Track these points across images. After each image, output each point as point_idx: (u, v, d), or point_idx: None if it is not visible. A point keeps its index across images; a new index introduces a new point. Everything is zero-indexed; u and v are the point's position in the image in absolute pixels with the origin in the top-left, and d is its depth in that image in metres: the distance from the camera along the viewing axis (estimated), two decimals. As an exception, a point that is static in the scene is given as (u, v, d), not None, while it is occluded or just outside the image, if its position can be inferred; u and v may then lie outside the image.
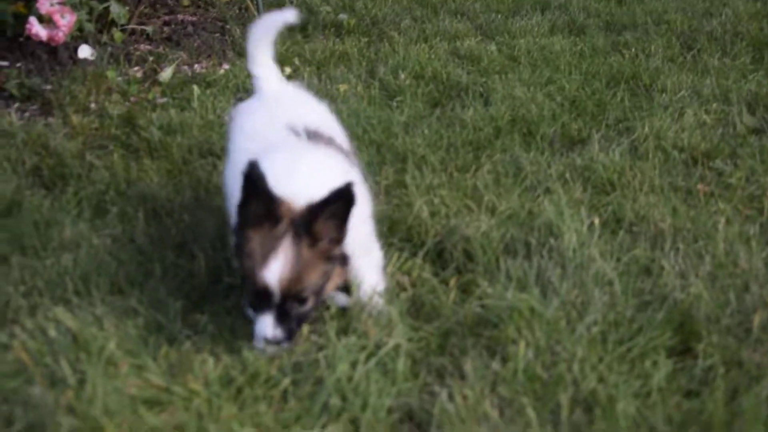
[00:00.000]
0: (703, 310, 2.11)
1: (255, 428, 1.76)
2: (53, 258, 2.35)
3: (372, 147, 3.18)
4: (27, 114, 3.46)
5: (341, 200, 1.85)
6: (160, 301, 2.18)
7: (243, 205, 1.87)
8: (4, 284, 2.21)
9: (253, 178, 1.83)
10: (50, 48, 3.89)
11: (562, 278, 2.24)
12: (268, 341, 1.90)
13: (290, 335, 1.91)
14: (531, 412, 1.77)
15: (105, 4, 4.20)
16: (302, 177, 1.96)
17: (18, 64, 3.84)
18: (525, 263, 2.33)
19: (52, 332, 1.97)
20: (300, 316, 1.92)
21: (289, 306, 1.87)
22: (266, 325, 1.88)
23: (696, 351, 2.00)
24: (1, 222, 2.52)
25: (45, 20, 3.65)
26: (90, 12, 4.05)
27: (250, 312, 1.96)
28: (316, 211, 1.85)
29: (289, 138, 2.17)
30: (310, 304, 1.92)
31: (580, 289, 2.20)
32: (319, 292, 1.93)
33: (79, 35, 4.01)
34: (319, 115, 2.42)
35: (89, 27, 4.00)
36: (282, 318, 1.88)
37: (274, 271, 1.83)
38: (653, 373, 1.90)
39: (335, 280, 1.99)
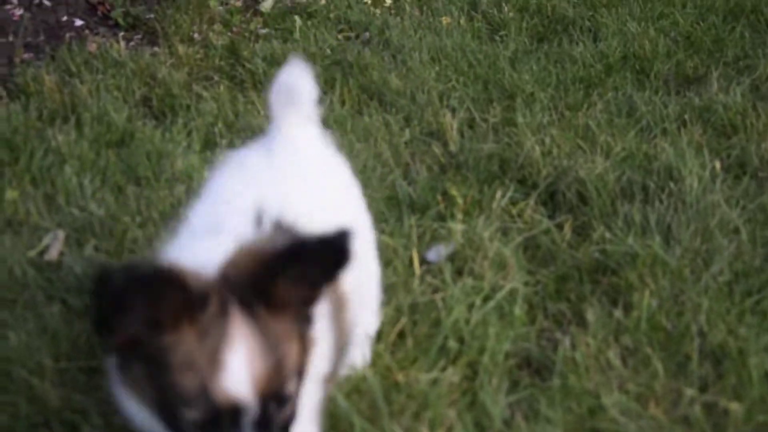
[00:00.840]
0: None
1: (372, 368, 1.76)
2: (167, 189, 2.37)
3: (478, 83, 3.09)
4: (132, 43, 3.48)
5: (322, 259, 1.21)
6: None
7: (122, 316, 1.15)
8: (122, 214, 2.24)
9: (119, 284, 1.12)
10: (152, -24, 3.88)
11: (685, 225, 2.15)
12: None
13: None
14: (657, 363, 1.72)
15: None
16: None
17: (122, -7, 3.85)
18: (643, 208, 2.25)
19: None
20: (285, 424, 1.22)
21: (270, 414, 1.18)
22: None
23: (831, 306, 1.90)
24: (115, 152, 2.55)
25: (149, -52, 3.65)
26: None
27: None
28: (275, 269, 1.19)
29: (242, 228, 1.37)
30: (294, 398, 1.23)
31: (703, 237, 2.11)
32: (301, 373, 1.25)
33: (180, -37, 3.98)
34: (321, 195, 1.58)
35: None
36: None
37: (240, 371, 1.14)
38: (785, 327, 1.82)
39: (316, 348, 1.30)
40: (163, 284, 1.12)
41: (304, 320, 1.24)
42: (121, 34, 3.52)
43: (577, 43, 3.49)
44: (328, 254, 1.21)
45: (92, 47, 3.33)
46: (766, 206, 2.26)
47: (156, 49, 3.35)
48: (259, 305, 1.18)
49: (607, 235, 2.13)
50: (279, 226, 1.38)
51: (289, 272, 1.19)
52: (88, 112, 2.71)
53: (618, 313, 1.86)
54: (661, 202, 2.29)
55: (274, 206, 1.41)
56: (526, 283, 2.00)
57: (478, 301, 1.90)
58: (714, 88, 3.00)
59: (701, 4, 3.92)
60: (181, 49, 3.25)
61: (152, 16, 3.64)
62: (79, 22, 3.55)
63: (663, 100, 2.95)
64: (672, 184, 2.34)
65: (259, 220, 1.38)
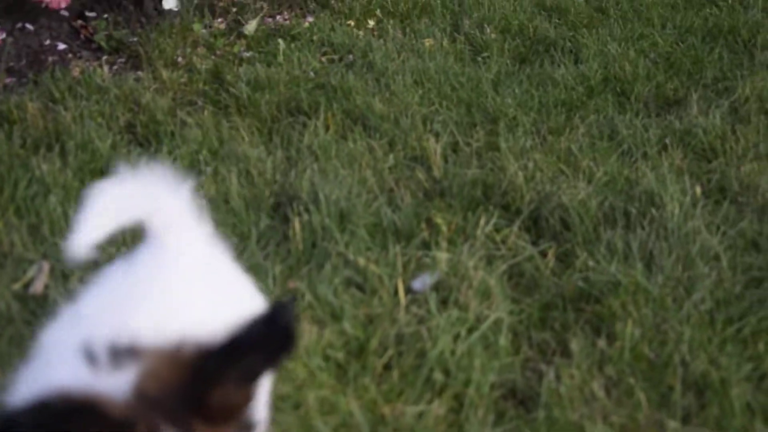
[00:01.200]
0: (817, 289, 2.04)
1: (358, 400, 1.77)
2: (152, 219, 2.37)
3: (461, 106, 3.12)
4: (116, 67, 3.48)
5: (264, 345, 1.01)
6: (259, 266, 2.19)
7: None
8: (107, 244, 2.23)
9: None
10: (136, -1, 3.89)
11: (667, 252, 2.18)
12: None
13: None
14: (641, 394, 1.74)
15: (188, -46, 4.18)
16: None
17: (105, 15, 3.85)
18: (626, 234, 2.27)
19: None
20: None
21: None
22: None
23: (810, 333, 1.93)
24: (99, 180, 2.54)
25: (131, -28, 3.65)
26: (174, -38, 4.03)
27: None
28: (209, 373, 0.99)
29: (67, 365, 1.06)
30: None
31: (685, 264, 2.14)
32: None
33: (163, -14, 3.99)
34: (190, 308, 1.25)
35: (174, -22, 3.98)
36: None
37: None
38: (766, 356, 1.84)
39: None
40: (81, 420, 0.94)
41: (247, 426, 1.03)
42: (105, 57, 3.52)
43: (558, 65, 3.52)
44: (271, 338, 1.00)
45: (75, 71, 3.33)
46: (746, 232, 2.29)
47: (140, 73, 3.35)
48: (195, 421, 0.97)
49: (590, 262, 2.15)
50: (118, 352, 1.04)
51: (227, 372, 0.98)
52: (72, 140, 2.71)
53: (602, 342, 1.88)
54: (642, 228, 2.32)
55: (116, 331, 1.08)
56: (510, 312, 2.01)
57: (463, 332, 1.91)
58: (694, 111, 3.04)
59: (680, 24, 3.98)
60: (164, 73, 3.26)
61: (136, 39, 3.64)
62: (62, 46, 3.55)
63: (644, 123, 2.98)
64: (653, 210, 2.37)
65: (91, 356, 1.04)
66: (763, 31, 3.79)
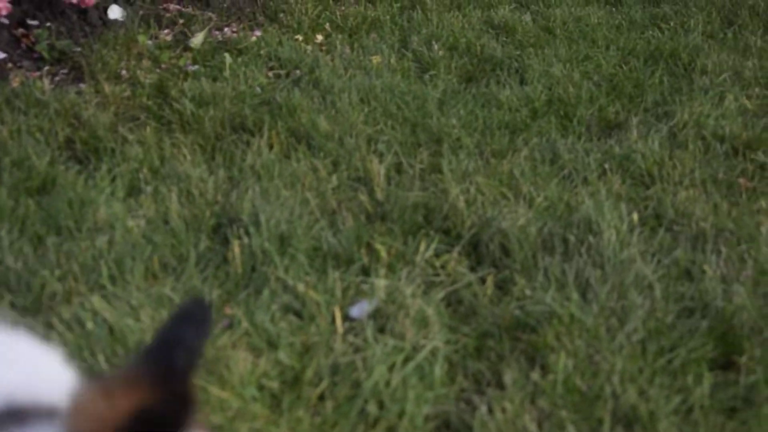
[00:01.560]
0: (746, 320, 2.08)
1: (292, 432, 1.77)
2: (88, 240, 2.33)
3: (406, 125, 3.12)
4: (57, 78, 3.42)
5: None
6: (196, 289, 2.17)
7: None
8: (41, 267, 2.20)
9: None
10: (80, 8, 3.83)
11: (602, 280, 2.21)
12: None
13: None
14: (571, 428, 1.76)
15: (135, -37, 4.12)
16: None
17: (48, 24, 3.78)
18: (563, 262, 2.30)
19: (90, 324, 1.97)
20: None
21: None
22: None
23: (739, 365, 1.97)
24: (35, 200, 2.50)
25: (75, -19, 3.59)
26: (120, -29, 3.98)
27: None
28: None
29: None
30: None
31: (619, 293, 2.17)
32: None
33: (109, -6, 3.94)
34: None
35: (119, -13, 3.93)
36: None
37: None
38: (695, 388, 1.88)
39: None
40: None
41: None
42: (46, 68, 3.45)
43: (504, 86, 3.56)
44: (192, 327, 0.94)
45: (15, 82, 3.26)
46: (680, 261, 2.33)
47: (82, 86, 3.30)
48: None
49: (527, 291, 2.17)
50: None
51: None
52: (8, 156, 2.66)
53: (535, 374, 1.89)
54: (580, 255, 2.35)
55: None
56: (447, 342, 2.02)
57: (399, 362, 1.92)
58: (634, 135, 3.09)
59: (624, 46, 4.04)
60: (107, 87, 3.21)
61: (79, 50, 3.58)
62: (1, 55, 3.47)
63: (585, 147, 3.02)
64: (591, 237, 2.40)
65: None
66: (703, 56, 3.87)
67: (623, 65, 3.80)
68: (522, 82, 3.62)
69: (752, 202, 2.66)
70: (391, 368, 1.90)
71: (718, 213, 2.57)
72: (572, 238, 2.41)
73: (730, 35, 4.21)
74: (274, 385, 1.87)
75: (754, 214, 2.58)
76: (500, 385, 1.89)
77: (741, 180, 2.81)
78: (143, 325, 1.98)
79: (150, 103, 3.19)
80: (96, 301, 2.04)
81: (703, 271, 2.28)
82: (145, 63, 3.53)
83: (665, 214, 2.57)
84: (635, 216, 2.54)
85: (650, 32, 4.24)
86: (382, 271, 2.25)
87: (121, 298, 2.09)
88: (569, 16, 4.47)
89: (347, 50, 3.89)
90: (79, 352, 1.90)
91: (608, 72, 3.71)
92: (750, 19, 4.42)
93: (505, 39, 4.17)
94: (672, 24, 4.35)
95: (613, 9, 4.67)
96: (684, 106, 3.32)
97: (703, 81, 3.61)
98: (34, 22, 3.78)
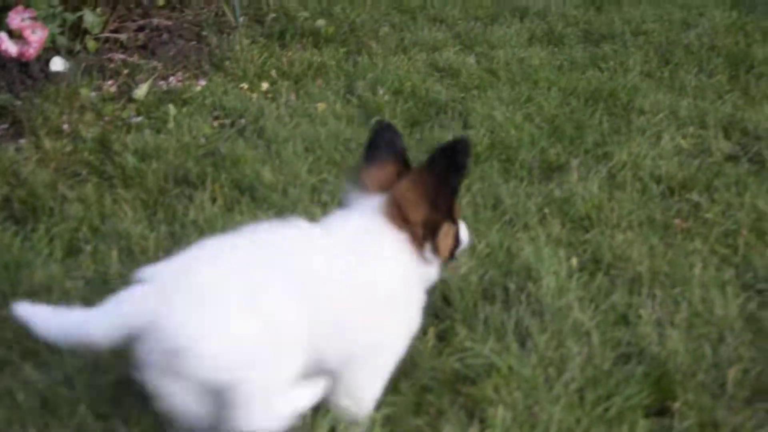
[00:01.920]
0: (680, 364, 2.12)
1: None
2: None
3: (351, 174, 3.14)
4: (-2, 133, 3.40)
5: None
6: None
7: None
8: (-26, 336, 2.16)
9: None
10: (21, 61, 3.80)
11: (541, 329, 2.24)
12: None
13: None
14: (508, 484, 1.77)
15: (78, 14, 4.12)
16: None
17: (-12, 78, 3.75)
18: (504, 312, 2.33)
19: (21, 395, 1.94)
20: None
21: None
22: None
23: (672, 410, 2.01)
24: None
25: (15, 36, 3.57)
26: (63, 23, 3.97)
27: None
28: None
29: None
30: None
31: (558, 341, 2.20)
32: None
33: (51, 47, 3.92)
34: None
35: (62, 40, 3.92)
36: None
37: None
38: (630, 437, 1.91)
39: None
40: None
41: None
42: (-15, 124, 3.43)
43: (448, 130, 3.60)
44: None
45: (-46, 139, 3.23)
46: (617, 306, 2.37)
47: (21, 141, 3.27)
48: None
49: (467, 342, 2.19)
50: None
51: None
52: (-57, 218, 2.63)
53: (474, 429, 1.91)
54: (520, 302, 2.37)
55: None
56: (386, 395, 2.03)
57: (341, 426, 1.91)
58: (574, 177, 3.14)
59: (565, 86, 4.12)
60: (48, 142, 3.19)
61: (19, 104, 3.56)
62: (-61, 112, 3.44)
63: (527, 190, 3.06)
64: (531, 285, 2.43)
65: None
66: (640, 95, 3.96)
67: (565, 105, 3.87)
68: (465, 125, 3.67)
69: (687, 243, 2.72)
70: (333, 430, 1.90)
71: (654, 255, 2.62)
72: (512, 286, 2.44)
73: (666, 74, 4.32)
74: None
75: (688, 255, 2.63)
76: (439, 442, 1.90)
77: (677, 221, 2.87)
78: (78, 393, 1.95)
79: (92, 158, 3.18)
80: (29, 370, 2.01)
81: (639, 316, 2.33)
82: (88, 116, 3.52)
83: (603, 258, 2.62)
84: (574, 261, 2.58)
85: (590, 72, 4.34)
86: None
87: (56, 365, 2.06)
88: (512, 57, 4.55)
89: (292, 97, 3.91)
90: (9, 427, 1.87)
91: (550, 113, 3.78)
92: (685, 57, 4.54)
93: (449, 81, 4.23)
94: (611, 63, 4.45)
95: (555, 49, 4.78)
96: (622, 146, 3.39)
97: (640, 121, 3.70)
98: (-25, 77, 3.76)
